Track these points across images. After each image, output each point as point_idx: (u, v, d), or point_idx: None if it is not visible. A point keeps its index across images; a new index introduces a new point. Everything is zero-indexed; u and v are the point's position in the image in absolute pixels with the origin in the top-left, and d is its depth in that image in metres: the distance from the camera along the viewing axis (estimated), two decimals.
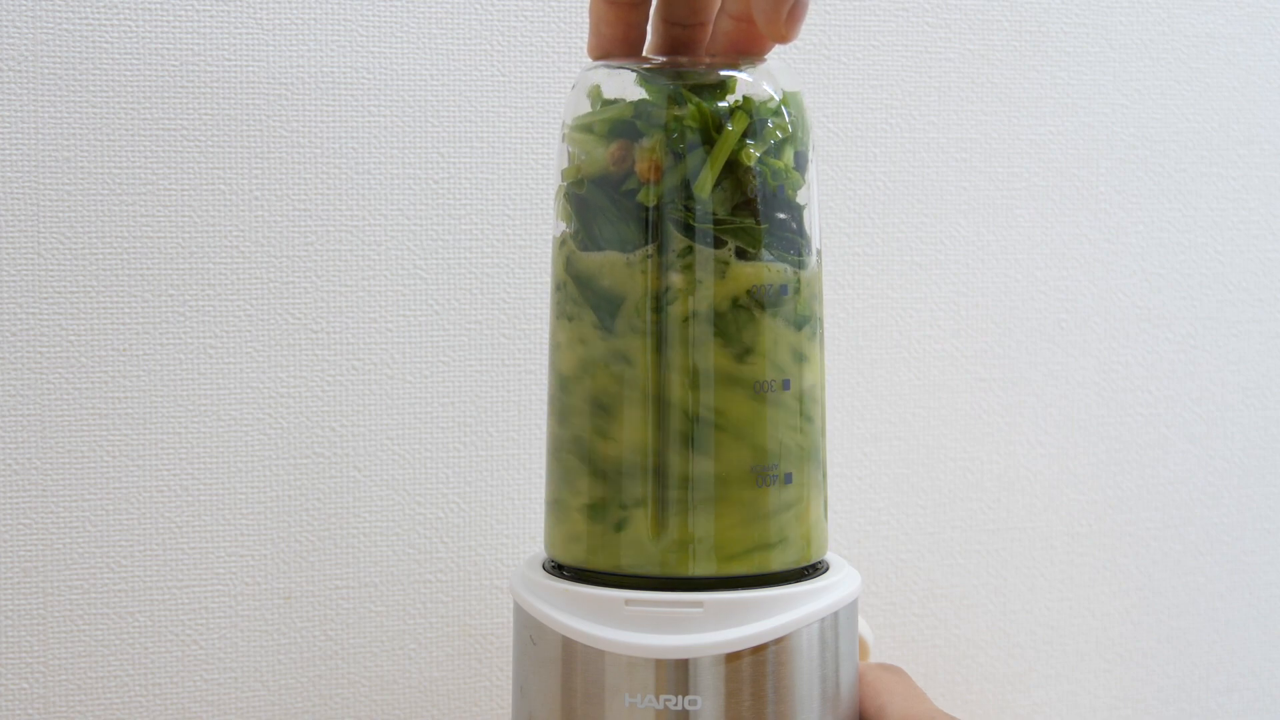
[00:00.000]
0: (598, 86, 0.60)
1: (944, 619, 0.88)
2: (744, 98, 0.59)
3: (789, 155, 0.59)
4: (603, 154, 0.59)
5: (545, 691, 0.59)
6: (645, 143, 0.58)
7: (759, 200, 0.59)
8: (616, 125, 0.59)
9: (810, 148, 0.61)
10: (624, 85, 0.60)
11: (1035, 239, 0.88)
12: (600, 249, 0.59)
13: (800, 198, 0.60)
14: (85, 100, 0.73)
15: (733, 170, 0.58)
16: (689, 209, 0.58)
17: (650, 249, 0.58)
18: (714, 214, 0.58)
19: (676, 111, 0.58)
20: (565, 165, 0.61)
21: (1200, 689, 0.93)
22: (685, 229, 0.58)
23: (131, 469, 0.75)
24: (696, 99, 0.58)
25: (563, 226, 0.61)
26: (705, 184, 0.58)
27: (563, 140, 0.61)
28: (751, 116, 0.58)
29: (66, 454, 0.74)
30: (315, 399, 0.77)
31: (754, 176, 0.58)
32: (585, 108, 0.61)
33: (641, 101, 0.59)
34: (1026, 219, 0.88)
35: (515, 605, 0.61)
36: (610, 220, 0.59)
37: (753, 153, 0.58)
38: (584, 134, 0.60)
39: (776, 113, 0.59)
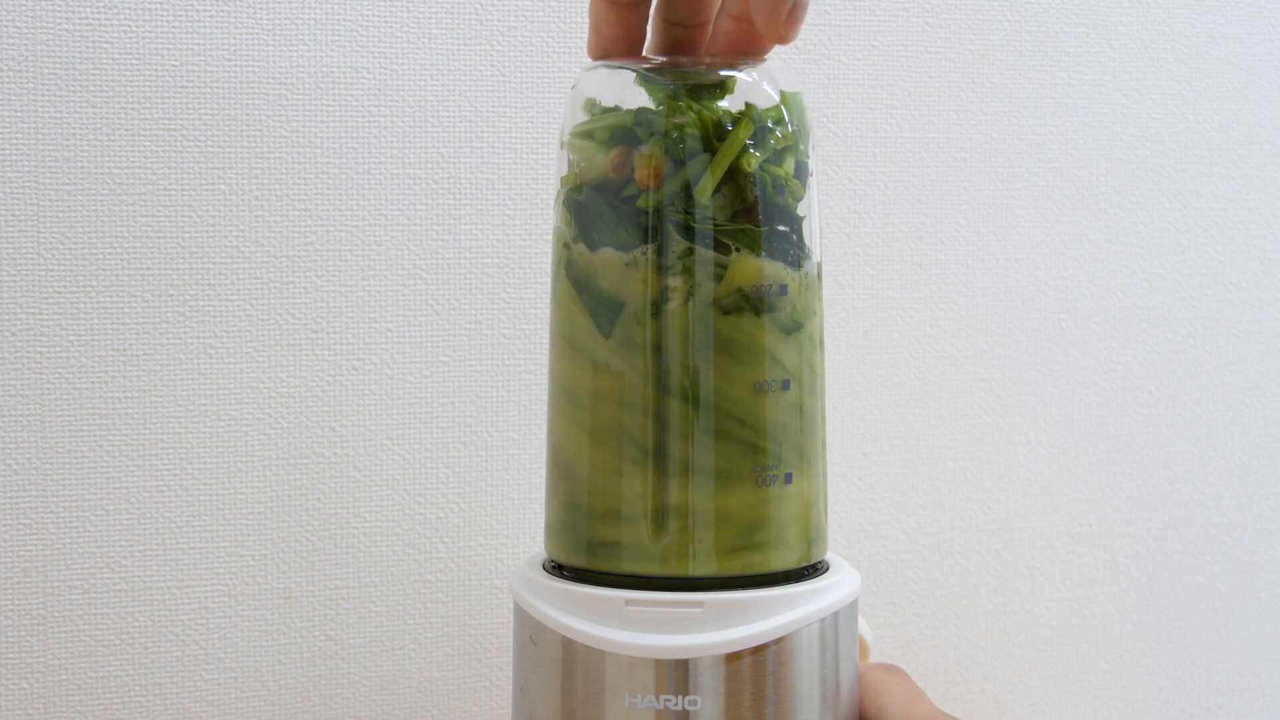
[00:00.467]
0: (593, 100, 0.60)
1: (944, 619, 0.88)
2: (746, 104, 0.59)
3: (790, 164, 0.59)
4: (602, 161, 0.59)
5: (545, 691, 0.59)
6: (645, 149, 0.58)
7: (759, 205, 0.59)
8: (617, 132, 0.59)
9: (811, 153, 0.61)
10: (623, 89, 0.60)
11: (1035, 239, 0.88)
12: (600, 253, 0.59)
13: (801, 208, 0.60)
14: (85, 100, 0.73)
15: (733, 177, 0.58)
16: (689, 213, 0.58)
17: (650, 251, 0.58)
18: (714, 218, 0.58)
19: (677, 119, 0.58)
20: (564, 171, 0.61)
21: (1200, 689, 0.93)
22: (685, 231, 0.58)
23: (131, 469, 0.75)
24: (697, 106, 0.58)
25: (562, 230, 0.61)
26: (705, 189, 0.58)
27: (562, 147, 0.61)
28: (754, 123, 0.58)
29: (66, 454, 0.74)
30: (315, 399, 0.77)
31: (754, 184, 0.58)
32: (583, 116, 0.61)
33: (642, 109, 0.59)
34: (1026, 219, 0.88)
35: (515, 605, 0.61)
36: (609, 225, 0.59)
37: (755, 157, 0.58)
38: (584, 140, 0.60)
39: (779, 120, 0.59)
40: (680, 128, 0.58)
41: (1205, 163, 0.91)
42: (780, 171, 0.59)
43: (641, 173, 0.58)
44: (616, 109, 0.60)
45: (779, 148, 0.59)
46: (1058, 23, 0.88)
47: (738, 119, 0.58)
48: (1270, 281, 0.93)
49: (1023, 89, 0.87)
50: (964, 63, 0.86)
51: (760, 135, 0.59)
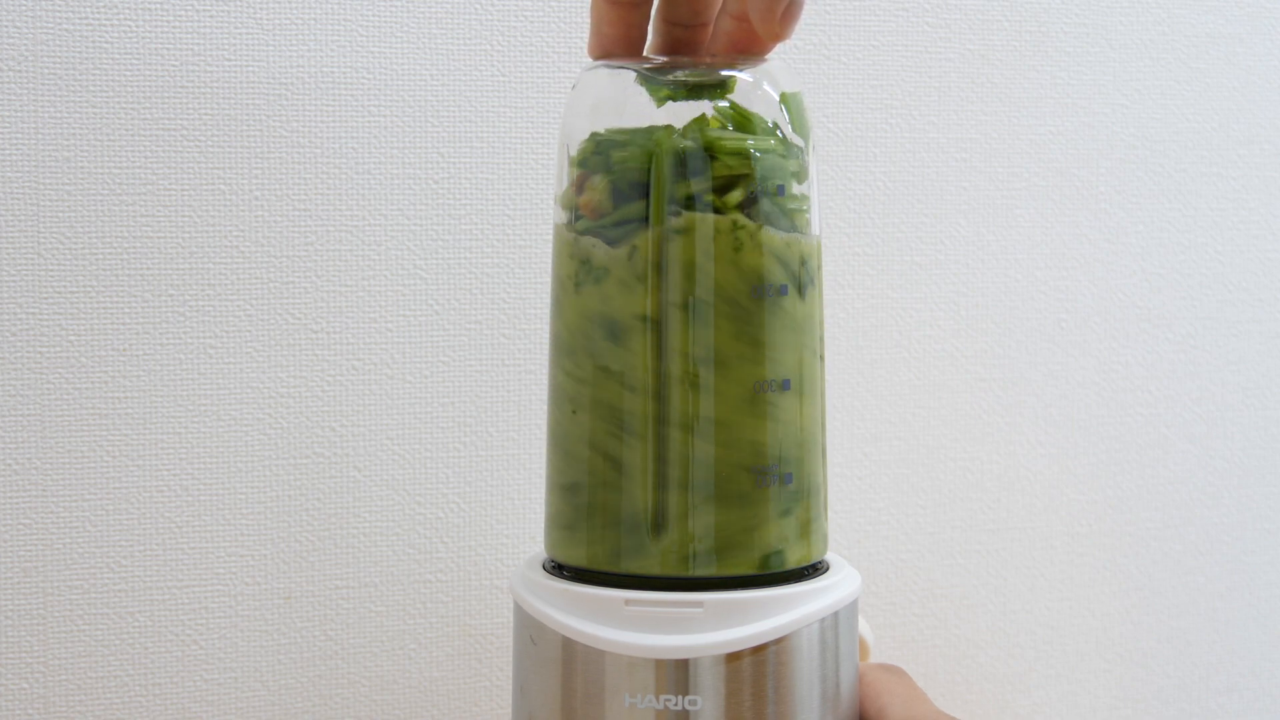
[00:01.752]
0: (583, 149, 0.60)
1: (944, 619, 0.88)
2: (745, 113, 0.59)
3: (788, 167, 0.59)
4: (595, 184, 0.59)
5: (545, 691, 0.59)
6: (596, 181, 0.58)
7: (758, 208, 0.58)
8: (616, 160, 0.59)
9: (811, 154, 0.61)
10: (624, 90, 0.60)
11: (1035, 239, 0.88)
12: (597, 259, 0.59)
13: (800, 209, 0.60)
14: (85, 100, 0.73)
15: (732, 185, 0.58)
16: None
17: (649, 254, 0.58)
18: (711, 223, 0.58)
19: (666, 143, 0.58)
20: (562, 188, 0.61)
21: (1200, 689, 0.93)
22: (684, 236, 0.58)
23: (131, 469, 0.75)
24: (695, 129, 0.58)
25: (561, 231, 0.61)
26: (703, 198, 0.58)
27: (561, 178, 0.61)
28: (754, 131, 0.59)
29: (66, 454, 0.74)
30: (315, 399, 0.77)
31: (752, 189, 0.58)
32: (581, 134, 0.61)
33: (634, 130, 0.59)
34: (1026, 219, 0.88)
35: (515, 605, 0.61)
36: (604, 237, 0.59)
37: (753, 160, 0.58)
38: (576, 169, 0.60)
39: (778, 126, 0.59)
40: (679, 151, 0.58)
41: (1205, 163, 0.91)
42: (778, 178, 0.59)
43: (586, 199, 0.59)
44: (616, 131, 0.60)
45: (778, 153, 0.59)
46: (1058, 23, 0.88)
47: (740, 142, 0.58)
48: (1270, 281, 0.93)
49: (1023, 89, 0.87)
50: (964, 63, 0.86)
51: (759, 142, 0.59)
